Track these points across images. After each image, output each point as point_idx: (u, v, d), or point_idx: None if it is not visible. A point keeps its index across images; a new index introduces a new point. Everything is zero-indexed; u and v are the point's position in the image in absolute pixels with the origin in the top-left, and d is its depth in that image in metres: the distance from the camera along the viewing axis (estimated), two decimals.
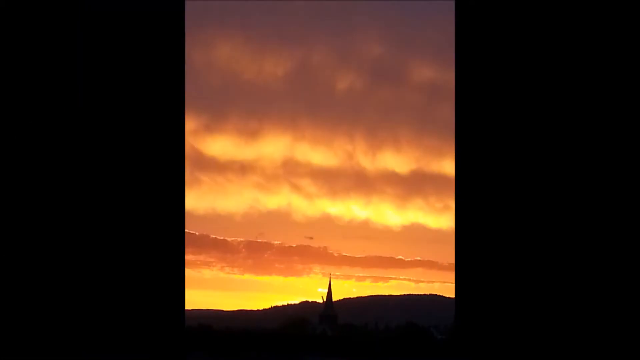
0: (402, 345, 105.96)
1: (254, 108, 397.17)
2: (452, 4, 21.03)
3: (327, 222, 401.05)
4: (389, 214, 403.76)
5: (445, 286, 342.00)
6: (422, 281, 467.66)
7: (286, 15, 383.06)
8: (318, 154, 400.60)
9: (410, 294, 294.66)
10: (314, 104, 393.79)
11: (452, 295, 21.83)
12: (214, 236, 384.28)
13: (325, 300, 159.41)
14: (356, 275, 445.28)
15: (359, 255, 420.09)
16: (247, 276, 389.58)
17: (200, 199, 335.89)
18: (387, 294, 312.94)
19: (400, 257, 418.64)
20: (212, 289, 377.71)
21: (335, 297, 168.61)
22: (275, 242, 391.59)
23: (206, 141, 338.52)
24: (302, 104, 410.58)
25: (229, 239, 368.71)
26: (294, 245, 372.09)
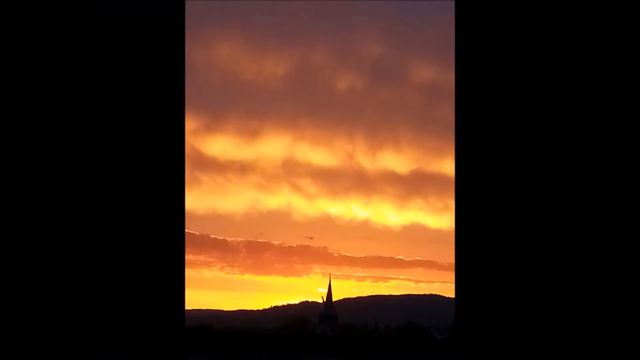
0: (402, 345, 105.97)
1: (254, 108, 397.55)
2: (452, 4, 21.04)
3: (327, 222, 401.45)
4: (389, 214, 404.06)
5: (445, 286, 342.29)
6: (422, 281, 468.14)
7: (286, 15, 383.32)
8: (318, 154, 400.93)
9: (410, 294, 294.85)
10: (314, 104, 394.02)
11: (452, 295, 21.84)
12: (214, 236, 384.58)
13: (325, 300, 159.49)
14: (356, 275, 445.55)
15: (359, 255, 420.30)
16: (247, 276, 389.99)
17: (200, 199, 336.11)
18: (387, 294, 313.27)
19: (400, 257, 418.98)
20: (212, 289, 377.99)
21: (335, 297, 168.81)
22: (275, 242, 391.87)
23: (206, 141, 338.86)
24: (302, 104, 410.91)
25: (229, 239, 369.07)
26: (294, 245, 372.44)
